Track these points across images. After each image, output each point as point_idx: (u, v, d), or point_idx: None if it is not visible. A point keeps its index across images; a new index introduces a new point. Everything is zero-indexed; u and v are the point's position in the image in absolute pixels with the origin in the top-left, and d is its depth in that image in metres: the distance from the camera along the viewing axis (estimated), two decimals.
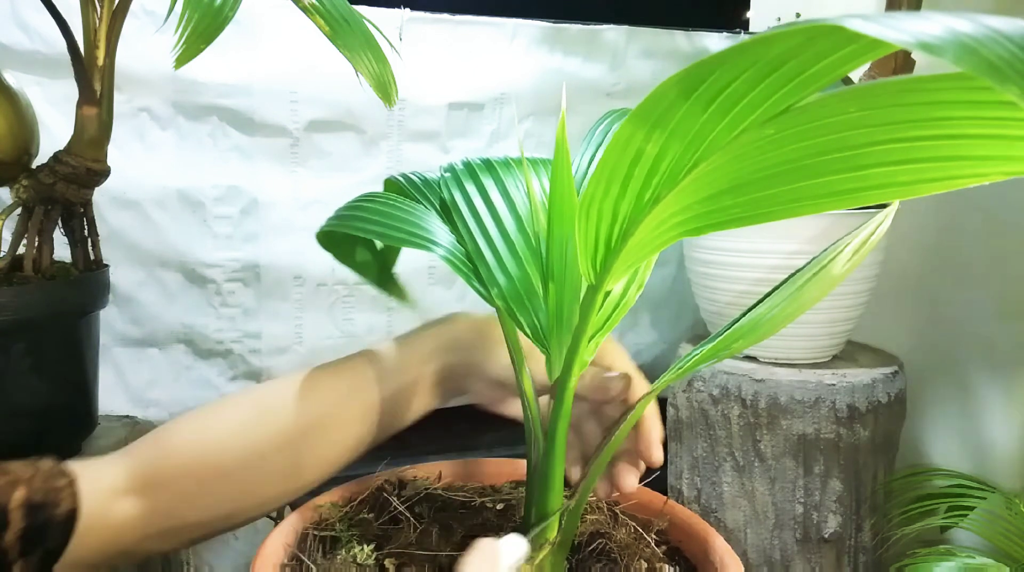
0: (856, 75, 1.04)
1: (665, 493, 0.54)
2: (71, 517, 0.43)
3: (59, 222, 0.75)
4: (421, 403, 0.51)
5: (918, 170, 0.22)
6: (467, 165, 0.48)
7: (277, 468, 0.48)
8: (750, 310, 0.42)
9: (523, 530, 0.43)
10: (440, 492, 0.54)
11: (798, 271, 0.42)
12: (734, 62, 0.22)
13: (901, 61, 0.97)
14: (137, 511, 0.46)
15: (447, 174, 0.48)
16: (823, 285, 0.39)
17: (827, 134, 0.23)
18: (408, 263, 0.56)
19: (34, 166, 0.74)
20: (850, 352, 1.08)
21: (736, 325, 0.40)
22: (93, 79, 0.71)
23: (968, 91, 0.20)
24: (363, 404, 0.49)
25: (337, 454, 0.50)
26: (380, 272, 0.54)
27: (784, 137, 0.23)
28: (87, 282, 0.76)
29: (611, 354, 0.48)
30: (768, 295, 0.42)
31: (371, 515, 0.51)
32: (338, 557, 0.46)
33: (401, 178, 0.50)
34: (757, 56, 0.21)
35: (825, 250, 0.41)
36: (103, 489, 0.45)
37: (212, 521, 0.48)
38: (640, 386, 0.46)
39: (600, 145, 0.48)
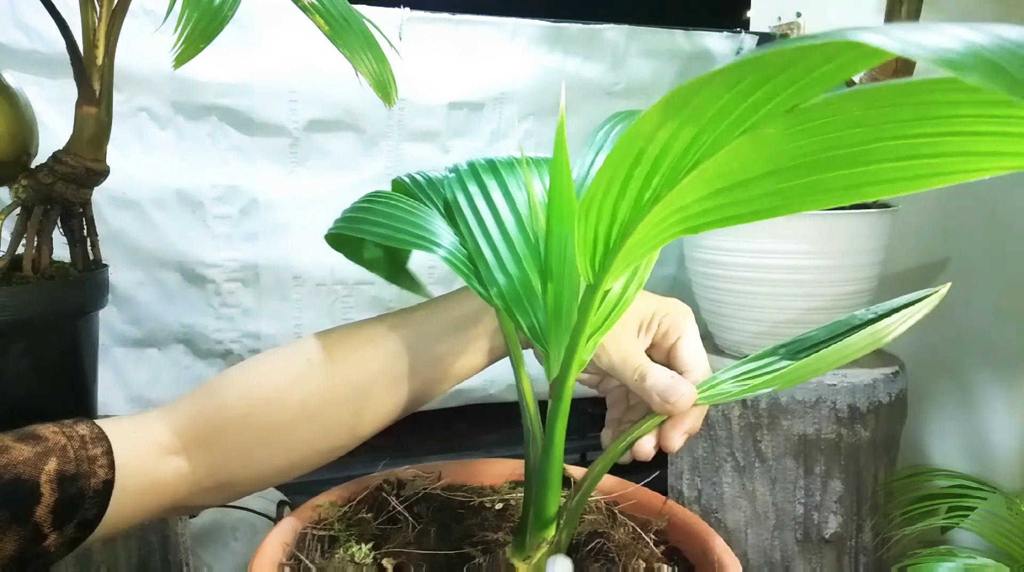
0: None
1: (665, 493, 0.54)
2: (107, 487, 0.42)
3: (58, 222, 0.74)
4: (474, 361, 0.51)
5: (919, 166, 0.22)
6: (471, 166, 0.49)
7: (339, 420, 0.48)
8: (791, 346, 0.44)
9: (522, 530, 0.43)
10: (439, 492, 0.53)
11: (842, 322, 0.44)
12: (745, 67, 0.22)
13: (901, 61, 0.97)
14: (188, 468, 0.46)
15: (451, 174, 0.48)
16: (869, 344, 0.40)
17: (828, 132, 0.23)
18: (407, 262, 0.56)
19: (33, 166, 0.74)
20: None
21: (779, 367, 0.42)
22: (92, 79, 0.71)
23: (968, 91, 0.19)
24: (419, 359, 0.49)
25: (394, 407, 0.50)
26: (391, 267, 0.54)
27: (785, 136, 0.23)
28: (86, 282, 0.75)
29: (687, 345, 0.46)
30: (807, 338, 0.44)
31: (370, 515, 0.50)
32: (336, 556, 0.45)
33: (407, 178, 0.51)
34: (766, 65, 0.21)
35: (880, 317, 0.42)
36: (149, 448, 0.45)
37: (269, 474, 0.48)
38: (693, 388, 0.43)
39: (602, 148, 0.48)
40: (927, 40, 0.16)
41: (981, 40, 0.16)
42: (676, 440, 0.43)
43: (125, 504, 0.43)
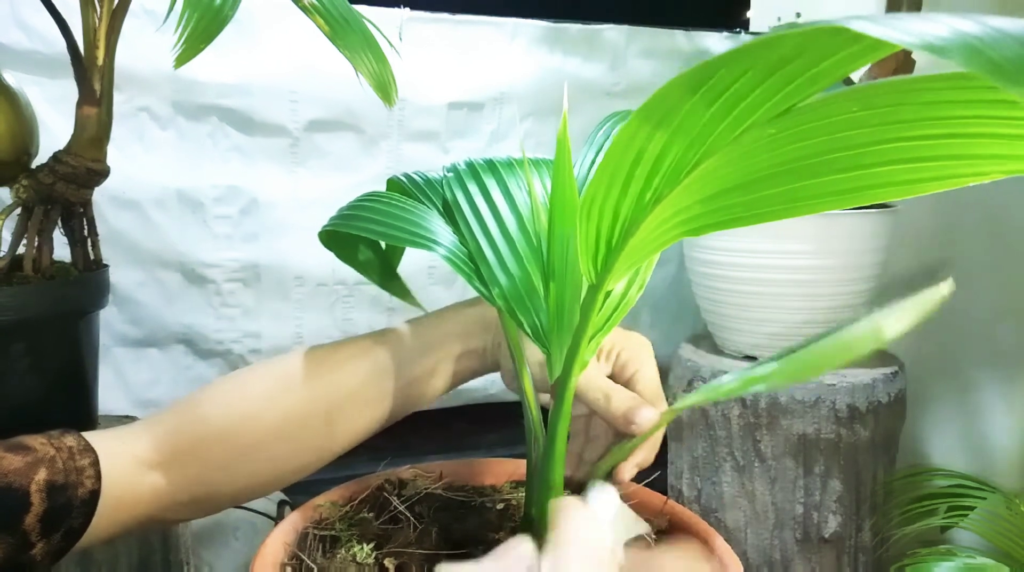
0: (856, 74, 1.04)
1: (665, 493, 0.54)
2: (93, 497, 0.43)
3: (59, 222, 0.74)
4: (443, 383, 0.52)
5: (918, 169, 0.22)
6: (469, 165, 0.48)
7: (311, 440, 0.49)
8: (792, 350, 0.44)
9: (522, 530, 0.43)
10: (440, 492, 0.54)
11: (842, 325, 0.43)
12: (738, 62, 0.22)
13: (902, 61, 0.97)
14: (166, 481, 0.46)
15: (449, 174, 0.48)
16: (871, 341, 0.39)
17: (828, 134, 0.23)
18: (408, 263, 0.56)
19: (34, 166, 0.74)
20: None
21: (772, 366, 0.41)
22: (93, 79, 0.71)
23: (967, 90, 0.19)
24: (390, 382, 0.50)
25: (366, 425, 0.51)
26: (383, 272, 0.54)
27: (785, 137, 0.23)
28: (87, 282, 0.75)
29: (645, 378, 0.47)
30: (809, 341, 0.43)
31: (371, 515, 0.51)
32: (338, 556, 0.46)
33: (403, 178, 0.51)
34: (760, 56, 0.21)
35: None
36: (130, 462, 0.46)
37: (246, 489, 0.49)
38: (656, 409, 0.44)
39: (601, 147, 0.48)
40: (914, 27, 0.17)
41: (968, 28, 0.16)
42: (627, 471, 0.44)
43: (110, 514, 0.44)
